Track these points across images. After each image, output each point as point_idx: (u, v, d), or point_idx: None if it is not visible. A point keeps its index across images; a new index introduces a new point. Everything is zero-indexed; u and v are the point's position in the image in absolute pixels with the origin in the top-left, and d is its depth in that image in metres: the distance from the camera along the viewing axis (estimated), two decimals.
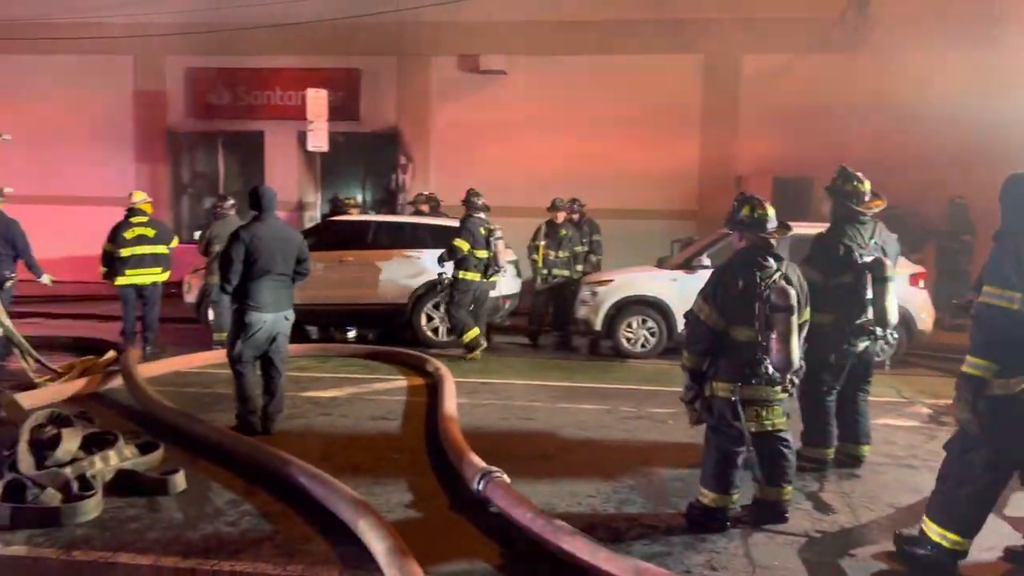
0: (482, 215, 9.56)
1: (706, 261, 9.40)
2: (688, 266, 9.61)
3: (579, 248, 11.10)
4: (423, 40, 14.92)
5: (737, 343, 4.39)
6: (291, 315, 6.54)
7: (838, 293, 5.29)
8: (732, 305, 4.37)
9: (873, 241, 5.44)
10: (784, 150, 13.80)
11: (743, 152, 14.29)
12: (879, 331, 5.30)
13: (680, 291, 9.27)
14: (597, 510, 4.85)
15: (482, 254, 9.40)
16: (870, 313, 5.29)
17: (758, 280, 4.37)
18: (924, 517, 4.04)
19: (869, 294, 5.26)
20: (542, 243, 10.76)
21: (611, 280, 10.05)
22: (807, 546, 4.36)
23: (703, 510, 4.54)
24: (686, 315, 4.71)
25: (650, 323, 9.72)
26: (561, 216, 10.85)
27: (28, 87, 15.50)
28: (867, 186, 5.53)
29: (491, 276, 9.56)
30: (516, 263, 10.96)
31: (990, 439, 3.72)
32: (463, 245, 9.25)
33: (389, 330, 10.80)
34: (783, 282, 4.40)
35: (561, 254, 10.77)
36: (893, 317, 5.30)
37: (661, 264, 10.52)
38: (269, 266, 6.29)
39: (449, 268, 9.46)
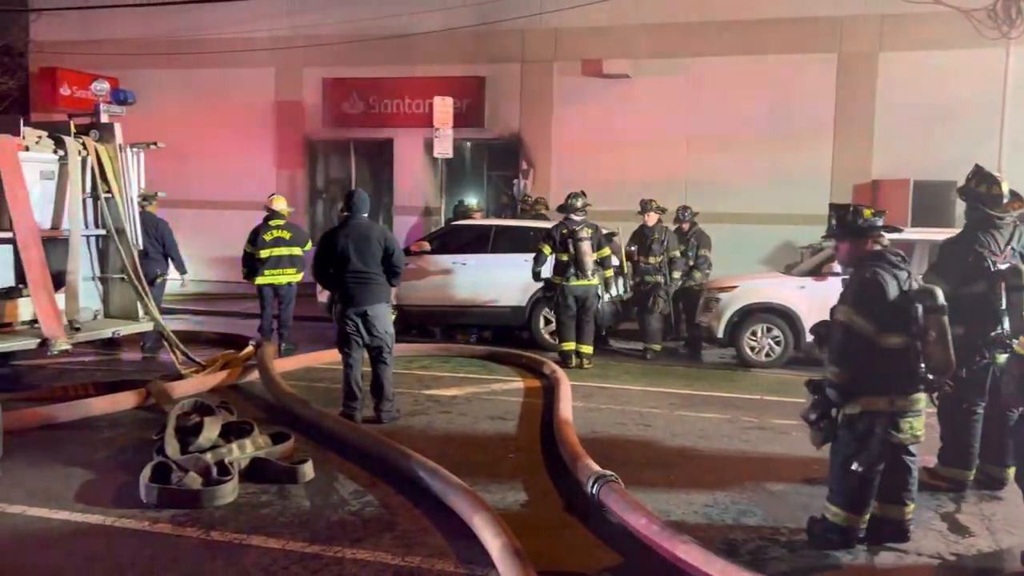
0: (575, 217, 9.28)
1: (837, 268, 8.99)
2: (818, 273, 9.24)
3: (675, 252, 10.34)
4: (546, 46, 15.03)
5: (889, 351, 4.14)
6: (377, 309, 6.75)
7: (969, 303, 4.92)
8: (884, 311, 4.14)
9: (1011, 247, 5.07)
10: (924, 152, 13.04)
11: (880, 154, 13.60)
12: (1016, 344, 4.90)
13: (809, 299, 8.93)
14: (714, 520, 4.75)
15: (563, 257, 9.17)
16: (1006, 325, 4.92)
17: (902, 282, 4.21)
18: None
19: (1004, 304, 4.90)
20: (633, 248, 10.42)
21: (735, 286, 9.78)
22: (939, 569, 4.12)
23: (830, 527, 4.31)
24: (814, 329, 4.51)
25: (775, 331, 9.40)
26: (652, 218, 10.31)
27: (179, 99, 16.62)
28: (1005, 188, 5.14)
29: (572, 280, 9.15)
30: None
31: None
32: (545, 249, 9.19)
33: (508, 332, 10.94)
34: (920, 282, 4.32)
35: (652, 259, 10.17)
36: None
37: (789, 271, 10.16)
38: (349, 263, 6.67)
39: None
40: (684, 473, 5.61)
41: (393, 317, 7.00)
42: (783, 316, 9.34)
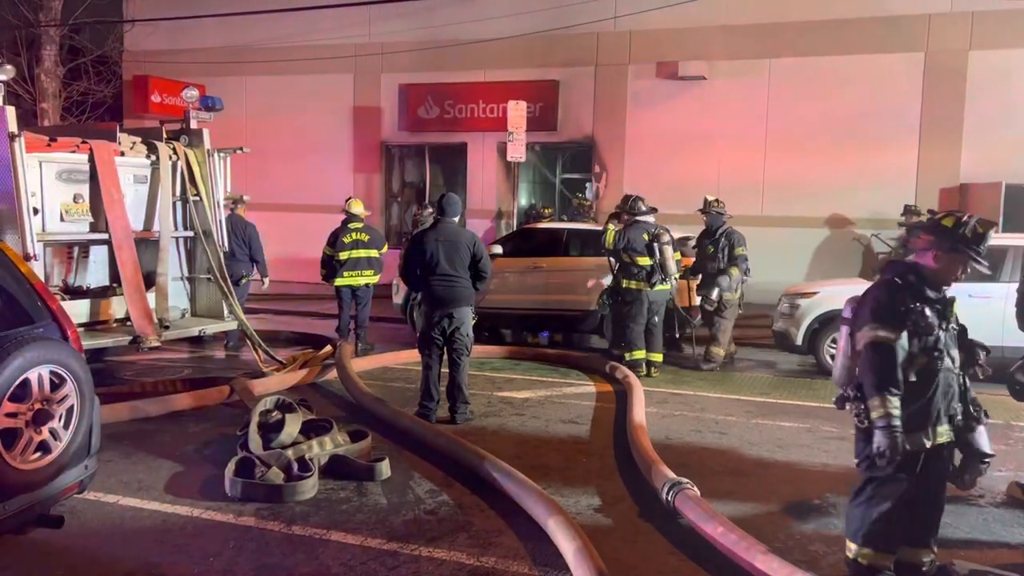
0: (649, 219, 9.11)
1: None
2: None
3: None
4: (620, 49, 14.95)
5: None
6: (461, 312, 6.81)
7: None
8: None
9: None
10: (1016, 153, 12.50)
11: (969, 156, 13.07)
12: None
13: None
14: (792, 531, 4.64)
15: (644, 261, 8.86)
16: None
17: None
18: None
19: None
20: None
21: (815, 292, 9.53)
22: None
23: (858, 570, 3.74)
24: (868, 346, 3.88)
25: None
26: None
27: (262, 105, 17.17)
28: None
29: (656, 285, 8.91)
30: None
31: None
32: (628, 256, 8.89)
33: (581, 335, 10.91)
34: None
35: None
36: None
37: (872, 277, 9.85)
38: (436, 266, 6.75)
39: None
40: (761, 482, 5.49)
41: (474, 321, 7.06)
42: None
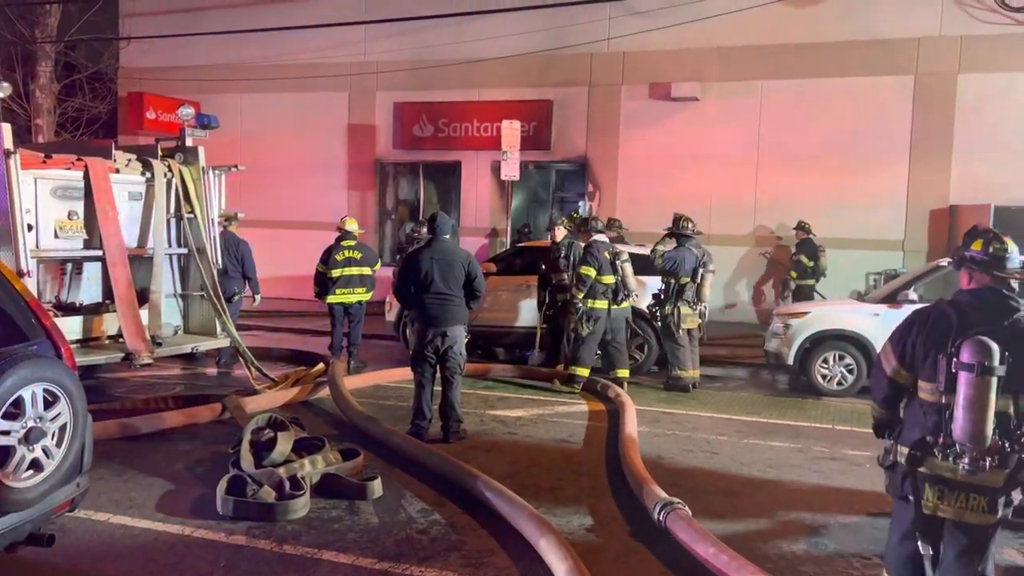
0: (604, 238, 9.27)
1: (913, 296, 8.79)
2: (893, 300, 9.00)
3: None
4: (613, 69, 15.08)
5: (921, 401, 3.39)
6: (455, 331, 6.85)
7: None
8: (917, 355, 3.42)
9: None
10: (1006, 176, 12.63)
11: (958, 178, 13.20)
12: None
13: (883, 327, 8.66)
14: (784, 552, 4.66)
15: (608, 280, 8.96)
16: None
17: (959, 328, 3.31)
18: None
19: None
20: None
21: (806, 312, 9.61)
22: None
23: None
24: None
25: (848, 359, 9.18)
26: (560, 233, 10.06)
27: (257, 123, 17.24)
28: None
29: (621, 302, 9.09)
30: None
31: None
32: (589, 271, 8.88)
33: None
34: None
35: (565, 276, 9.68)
36: None
37: (861, 298, 9.92)
38: (430, 285, 6.79)
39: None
40: (752, 502, 5.51)
41: (466, 340, 7.08)
42: (857, 344, 9.12)
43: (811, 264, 13.19)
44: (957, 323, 3.27)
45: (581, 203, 15.78)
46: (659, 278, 9.45)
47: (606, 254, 9.03)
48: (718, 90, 14.41)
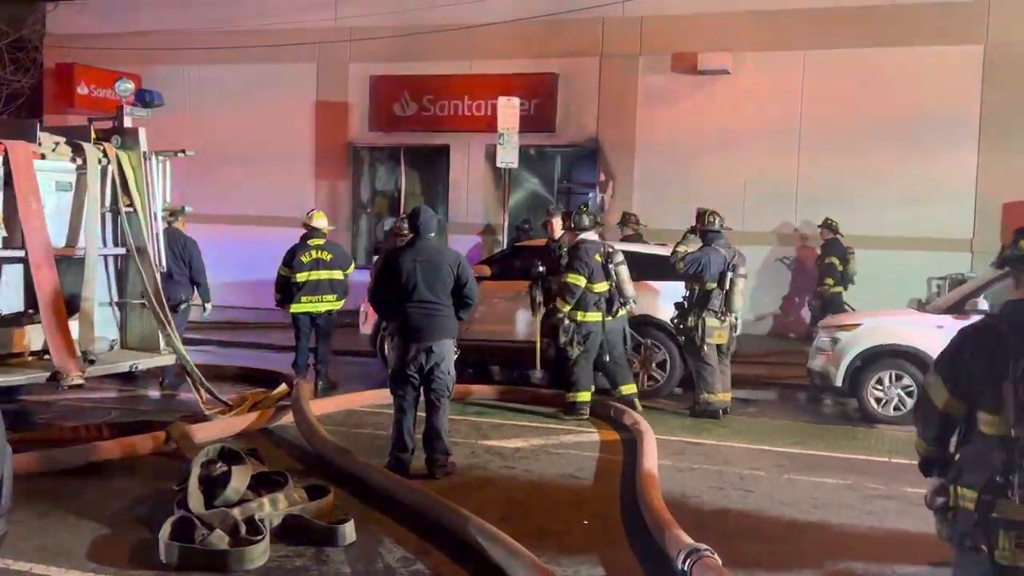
0: (594, 236, 9.23)
1: (984, 305, 8.80)
2: (960, 310, 9.00)
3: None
4: (630, 37, 15.14)
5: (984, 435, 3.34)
6: (442, 346, 6.83)
7: None
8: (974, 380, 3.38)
9: None
10: None
11: None
12: None
13: (948, 341, 8.69)
14: None
15: (600, 287, 8.95)
16: None
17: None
18: None
19: None
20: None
21: (857, 324, 9.61)
22: None
23: None
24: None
25: (907, 380, 9.18)
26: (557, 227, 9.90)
27: (209, 100, 17.26)
28: None
29: (617, 313, 9.07)
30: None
31: None
32: (578, 280, 8.80)
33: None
34: None
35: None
36: None
37: (921, 307, 9.94)
38: (412, 291, 6.75)
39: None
40: (794, 549, 5.51)
41: (456, 356, 7.07)
42: (916, 362, 9.11)
43: (841, 268, 13.24)
44: (1014, 342, 3.24)
45: (591, 195, 15.84)
46: (681, 284, 9.46)
47: (597, 257, 8.98)
48: (753, 62, 14.46)
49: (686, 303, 9.37)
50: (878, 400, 9.30)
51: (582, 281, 8.85)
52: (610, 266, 9.06)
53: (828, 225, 13.43)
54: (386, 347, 10.36)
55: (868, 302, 12.75)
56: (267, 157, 16.97)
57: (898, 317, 9.77)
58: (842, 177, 13.91)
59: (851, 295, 13.32)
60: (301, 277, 9.95)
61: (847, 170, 13.89)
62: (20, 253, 7.50)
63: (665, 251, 10.06)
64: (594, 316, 8.95)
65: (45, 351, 7.54)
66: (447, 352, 6.91)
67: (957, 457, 3.50)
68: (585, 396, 8.98)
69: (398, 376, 6.94)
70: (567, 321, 8.94)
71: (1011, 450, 3.21)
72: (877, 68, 13.82)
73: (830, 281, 13.36)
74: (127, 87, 8.66)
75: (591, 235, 9.18)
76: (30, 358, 7.72)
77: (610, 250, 9.21)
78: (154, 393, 9.88)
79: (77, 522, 5.64)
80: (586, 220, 9.18)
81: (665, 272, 9.63)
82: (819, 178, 14.10)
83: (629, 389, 9.19)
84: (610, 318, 9.04)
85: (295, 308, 10.03)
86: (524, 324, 10.57)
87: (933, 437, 3.57)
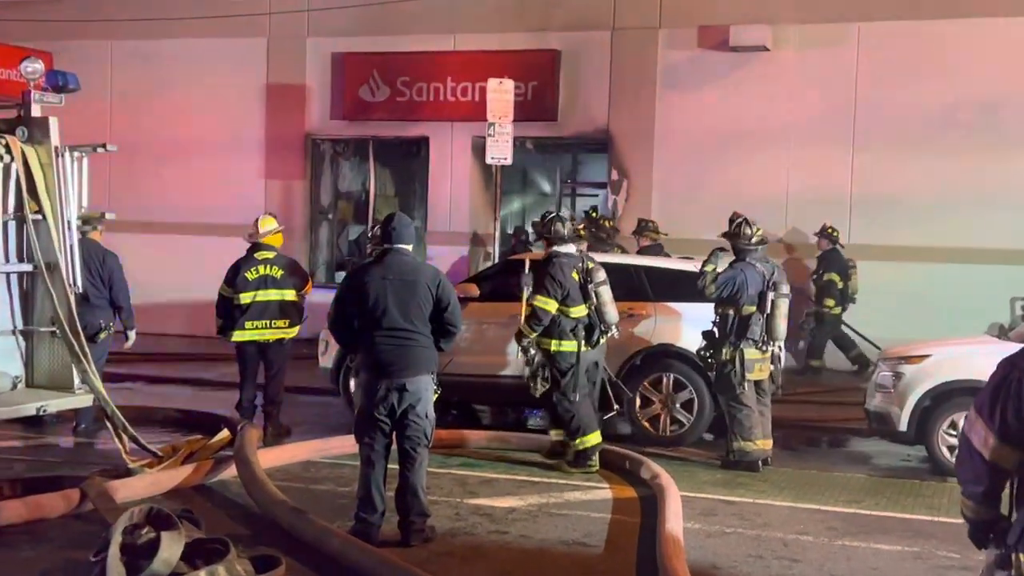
0: (571, 249, 9.22)
1: None
2: None
3: None
4: (647, 7, 15.21)
5: None
6: (418, 384, 6.80)
7: None
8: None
9: None
10: None
11: None
12: None
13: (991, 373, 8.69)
14: None
15: (578, 312, 8.99)
16: None
17: None
18: None
19: None
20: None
21: (926, 356, 9.60)
22: None
23: None
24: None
25: None
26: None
27: (136, 83, 17.27)
28: None
29: (597, 342, 9.09)
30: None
31: None
32: (546, 304, 8.83)
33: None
34: None
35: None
36: None
37: (1004, 334, 9.96)
38: (382, 317, 6.74)
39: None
40: None
41: (436, 395, 7.04)
42: None
43: (841, 286, 13.32)
44: None
45: (602, 197, 15.87)
46: (708, 305, 9.44)
47: (574, 274, 9.00)
48: (796, 36, 14.55)
49: (717, 331, 9.37)
50: (951, 448, 9.28)
51: (552, 306, 8.86)
52: (590, 286, 9.04)
53: (827, 235, 13.49)
54: (351, 384, 10.35)
55: (938, 327, 12.76)
56: (206, 152, 17.00)
57: (976, 346, 9.76)
58: (903, 176, 13.93)
59: (920, 321, 13.31)
60: (246, 298, 9.90)
61: (908, 168, 13.92)
62: None
63: (690, 266, 10.07)
64: (569, 346, 8.96)
65: None
66: (424, 391, 6.88)
67: (1015, 518, 3.46)
68: (594, 439, 8.95)
69: (365, 420, 6.90)
70: (532, 350, 8.98)
71: None
72: (944, 44, 13.92)
73: (830, 302, 13.42)
74: (35, 68, 8.65)
75: (569, 248, 9.20)
76: None
77: (590, 266, 9.17)
78: (66, 441, 9.84)
79: None
80: (564, 229, 9.21)
81: (690, 292, 9.63)
82: (878, 178, 14.12)
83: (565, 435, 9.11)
84: (586, 348, 9.02)
85: (238, 336, 9.99)
86: (515, 355, 10.55)
87: (981, 494, 3.53)
